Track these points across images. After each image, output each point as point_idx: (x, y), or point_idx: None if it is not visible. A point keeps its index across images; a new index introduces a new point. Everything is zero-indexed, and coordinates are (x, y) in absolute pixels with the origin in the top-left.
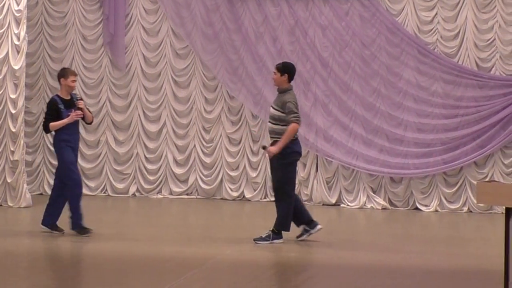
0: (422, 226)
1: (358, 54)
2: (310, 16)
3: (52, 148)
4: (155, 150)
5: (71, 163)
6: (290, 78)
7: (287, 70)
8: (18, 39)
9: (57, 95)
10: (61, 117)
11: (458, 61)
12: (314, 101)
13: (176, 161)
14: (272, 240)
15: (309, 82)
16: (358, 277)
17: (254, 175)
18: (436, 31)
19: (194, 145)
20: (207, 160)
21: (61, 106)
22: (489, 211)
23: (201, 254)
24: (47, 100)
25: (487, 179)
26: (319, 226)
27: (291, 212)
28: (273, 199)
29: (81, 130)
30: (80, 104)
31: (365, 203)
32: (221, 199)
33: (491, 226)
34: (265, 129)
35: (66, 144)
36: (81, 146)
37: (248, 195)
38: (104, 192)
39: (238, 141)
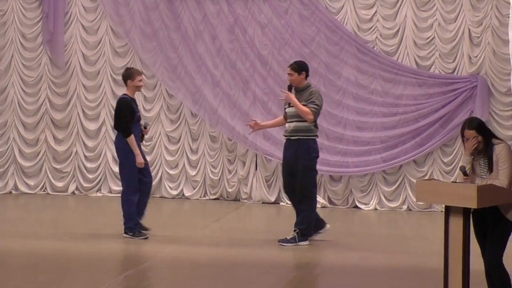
0: (362, 224)
1: (298, 52)
2: (249, 14)
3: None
4: (94, 149)
5: (133, 169)
6: (308, 74)
7: (303, 68)
8: None
9: (126, 94)
10: (135, 117)
11: (397, 59)
12: (253, 100)
13: (115, 160)
14: (298, 242)
15: (248, 80)
16: (296, 275)
17: (193, 173)
18: (376, 29)
19: None
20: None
21: (134, 106)
22: (429, 209)
23: (140, 252)
24: None
25: (426, 178)
26: (327, 226)
27: (314, 215)
28: (212, 197)
29: (20, 127)
30: (146, 133)
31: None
32: (160, 197)
33: (430, 224)
34: (204, 127)
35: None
36: (20, 144)
37: (187, 193)
38: (44, 190)
39: (177, 140)
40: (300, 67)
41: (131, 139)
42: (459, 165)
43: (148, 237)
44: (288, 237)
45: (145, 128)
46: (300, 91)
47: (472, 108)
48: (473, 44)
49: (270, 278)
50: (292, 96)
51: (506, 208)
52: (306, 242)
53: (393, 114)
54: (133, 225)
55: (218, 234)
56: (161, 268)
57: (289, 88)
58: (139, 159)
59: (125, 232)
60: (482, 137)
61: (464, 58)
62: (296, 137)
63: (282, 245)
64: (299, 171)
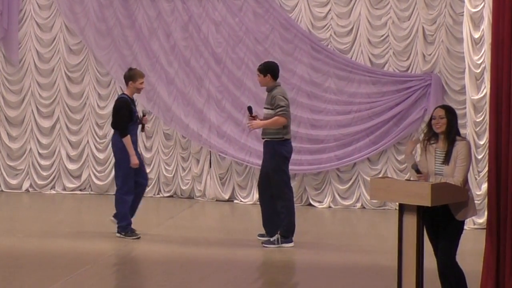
0: (315, 222)
1: (252, 50)
2: (203, 12)
3: None
4: (48, 146)
5: (128, 169)
6: (274, 76)
7: (269, 69)
8: None
9: (126, 94)
10: (132, 117)
11: (351, 57)
12: (207, 97)
13: (69, 157)
14: (280, 244)
15: (202, 78)
16: (249, 273)
17: (147, 171)
18: (330, 27)
19: (87, 141)
20: (100, 156)
21: (133, 106)
22: (382, 207)
23: (94, 250)
24: None
25: (380, 175)
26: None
27: (292, 214)
28: (166, 195)
29: None
30: (146, 121)
31: (259, 199)
32: (114, 195)
33: (384, 222)
34: (158, 125)
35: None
36: None
37: None
38: None
39: None
40: (265, 69)
41: (127, 139)
42: (411, 163)
43: (140, 237)
44: (271, 239)
45: (144, 116)
46: (269, 91)
47: (426, 106)
48: (427, 42)
49: (222, 276)
50: (258, 123)
51: (456, 208)
52: (290, 244)
53: (347, 112)
54: (126, 224)
55: (172, 231)
56: (114, 265)
57: (249, 110)
58: (134, 160)
59: (118, 232)
60: (447, 121)
61: (418, 56)
62: (265, 139)
63: (265, 246)
64: (270, 172)
